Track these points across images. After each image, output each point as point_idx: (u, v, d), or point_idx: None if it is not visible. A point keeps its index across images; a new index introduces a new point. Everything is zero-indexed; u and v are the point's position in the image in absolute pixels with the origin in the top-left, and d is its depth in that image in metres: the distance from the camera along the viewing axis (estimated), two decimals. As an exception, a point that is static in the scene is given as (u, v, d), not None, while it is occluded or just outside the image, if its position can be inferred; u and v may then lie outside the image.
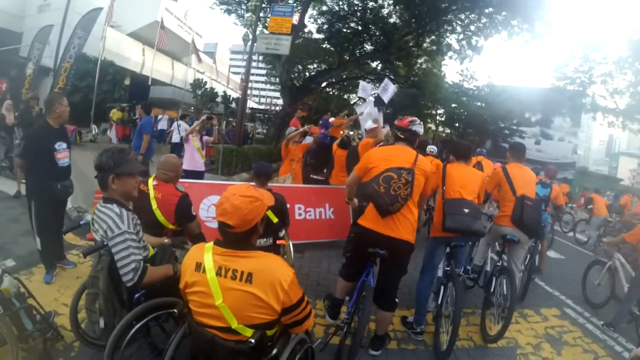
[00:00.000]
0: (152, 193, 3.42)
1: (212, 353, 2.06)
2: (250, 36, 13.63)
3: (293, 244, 4.85)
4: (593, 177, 32.64)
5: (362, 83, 10.66)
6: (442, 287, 4.13)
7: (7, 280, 2.93)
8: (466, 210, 3.99)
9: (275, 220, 3.99)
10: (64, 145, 4.41)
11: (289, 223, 4.33)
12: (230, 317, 1.95)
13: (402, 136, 3.68)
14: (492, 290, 4.60)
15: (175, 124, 13.90)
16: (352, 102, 10.53)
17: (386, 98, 9.61)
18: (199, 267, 2.03)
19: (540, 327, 5.08)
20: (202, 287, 2.00)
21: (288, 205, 4.48)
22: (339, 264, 5.19)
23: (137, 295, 2.61)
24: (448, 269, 4.14)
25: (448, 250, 4.20)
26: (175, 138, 13.35)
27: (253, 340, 1.94)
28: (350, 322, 3.53)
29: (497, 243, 5.15)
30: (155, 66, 25.16)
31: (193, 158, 7.16)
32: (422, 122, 3.79)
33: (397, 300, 3.72)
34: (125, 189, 2.67)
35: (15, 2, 21.82)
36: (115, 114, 17.78)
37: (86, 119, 16.41)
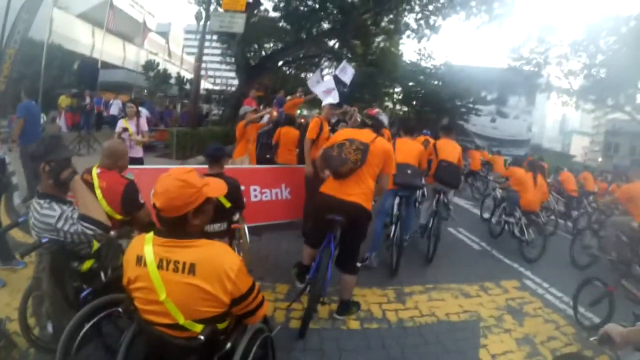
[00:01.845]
0: (96, 182, 3.19)
1: (164, 351, 1.96)
2: (204, 14, 13.21)
3: (250, 227, 4.77)
4: (546, 153, 33.79)
5: (344, 63, 10.35)
6: (393, 226, 5.54)
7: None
8: (409, 171, 5.63)
9: (227, 205, 3.88)
10: None
11: (243, 207, 4.22)
12: (176, 313, 1.82)
13: (370, 123, 4.40)
14: (430, 226, 6.30)
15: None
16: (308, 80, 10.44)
17: (347, 79, 9.54)
18: (139, 260, 1.87)
19: (501, 299, 5.22)
20: (145, 282, 1.85)
21: (243, 188, 4.42)
22: (298, 245, 5.31)
23: (83, 295, 2.48)
24: (397, 213, 5.61)
25: (398, 200, 5.72)
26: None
27: (202, 337, 1.83)
28: (314, 286, 3.74)
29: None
30: (106, 48, 24.07)
31: (128, 145, 6.86)
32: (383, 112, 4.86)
33: (358, 264, 4.12)
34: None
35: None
36: (64, 100, 16.76)
37: (34, 107, 15.59)
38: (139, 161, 6.99)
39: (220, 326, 1.96)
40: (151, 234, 1.92)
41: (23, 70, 15.04)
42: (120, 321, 2.64)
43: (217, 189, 2.04)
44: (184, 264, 1.80)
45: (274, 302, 4.25)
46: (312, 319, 3.80)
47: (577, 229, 8.51)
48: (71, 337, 2.24)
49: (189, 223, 1.88)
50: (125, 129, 6.90)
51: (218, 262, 1.83)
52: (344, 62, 10.13)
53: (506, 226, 7.84)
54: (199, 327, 1.85)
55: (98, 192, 3.13)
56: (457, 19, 18.41)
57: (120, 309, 2.15)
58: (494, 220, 8.54)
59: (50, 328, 2.46)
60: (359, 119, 7.13)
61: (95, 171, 3.27)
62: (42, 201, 2.46)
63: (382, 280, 5.22)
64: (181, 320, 1.83)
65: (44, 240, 2.39)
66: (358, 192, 3.87)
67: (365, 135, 4.06)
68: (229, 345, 2.01)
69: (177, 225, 1.86)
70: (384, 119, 4.64)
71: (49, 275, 2.37)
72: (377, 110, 4.65)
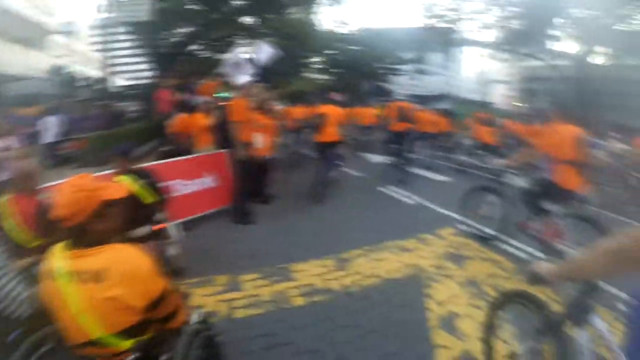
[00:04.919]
0: (5, 210, 2.88)
1: None
2: (106, 5, 12.41)
3: (180, 223, 4.56)
4: (469, 104, 35.31)
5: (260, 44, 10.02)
6: None
7: None
8: None
9: (150, 199, 3.68)
10: None
11: (166, 198, 4.02)
12: (92, 327, 1.68)
13: None
14: None
15: (42, 121, 12.19)
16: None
17: (263, 59, 9.30)
18: (51, 274, 1.72)
19: (439, 248, 5.33)
20: (59, 297, 1.70)
21: (164, 184, 4.18)
22: (232, 233, 5.86)
23: (10, 338, 2.24)
24: None
25: None
26: (49, 137, 11.91)
27: (136, 354, 1.74)
28: None
29: None
30: (5, 58, 22.22)
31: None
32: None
33: None
34: None
35: None
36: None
37: None
38: None
39: (144, 337, 1.82)
40: (60, 245, 1.78)
41: None
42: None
43: (114, 190, 1.88)
44: (92, 271, 1.68)
45: (215, 295, 4.05)
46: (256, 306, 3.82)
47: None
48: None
49: (91, 229, 1.75)
50: None
51: (126, 265, 1.72)
52: (260, 43, 9.88)
53: None
54: (125, 343, 1.74)
55: (10, 221, 2.82)
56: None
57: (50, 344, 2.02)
58: None
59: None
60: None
61: (3, 198, 2.91)
62: None
63: (319, 251, 5.11)
64: (99, 334, 1.69)
65: None
66: None
67: None
68: (164, 357, 1.91)
69: (81, 233, 1.74)
70: None
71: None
72: None
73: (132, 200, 2.29)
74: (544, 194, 4.87)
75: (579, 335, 1.90)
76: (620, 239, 1.29)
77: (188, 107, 8.46)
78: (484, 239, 5.56)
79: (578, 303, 1.91)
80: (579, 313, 1.92)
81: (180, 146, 7.53)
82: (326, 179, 7.81)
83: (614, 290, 3.59)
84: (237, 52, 10.07)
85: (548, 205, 4.83)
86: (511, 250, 5.23)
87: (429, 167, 11.06)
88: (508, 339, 3.02)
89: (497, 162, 5.74)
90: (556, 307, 2.18)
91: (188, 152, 7.09)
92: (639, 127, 8.65)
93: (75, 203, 1.70)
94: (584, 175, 4.70)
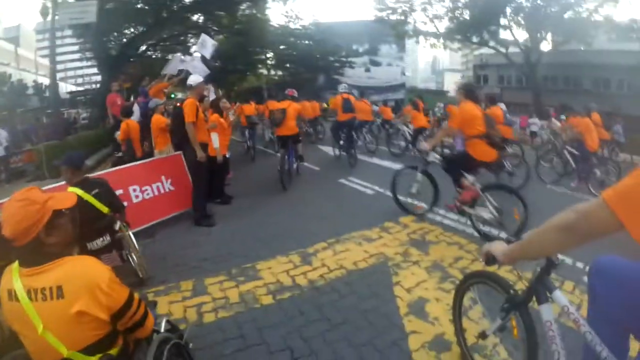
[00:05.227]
0: None
1: None
2: (51, 8, 11.88)
3: (141, 230, 4.46)
4: (423, 93, 36.13)
5: (202, 36, 9.94)
6: None
7: None
8: None
9: (105, 210, 3.58)
10: None
11: (121, 206, 3.91)
12: (58, 345, 1.61)
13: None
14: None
15: None
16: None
17: (208, 54, 9.19)
18: (11, 295, 1.64)
19: (403, 235, 5.38)
20: (23, 318, 1.63)
21: (121, 191, 4.04)
22: (194, 236, 5.67)
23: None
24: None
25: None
26: None
27: None
28: None
29: None
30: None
31: None
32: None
33: None
34: None
35: None
36: None
37: None
38: None
39: (113, 352, 1.77)
40: (16, 263, 1.70)
41: None
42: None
43: (63, 199, 1.79)
44: (50, 289, 1.62)
45: (182, 301, 3.91)
46: (225, 308, 3.71)
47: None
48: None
49: (44, 244, 1.66)
50: None
51: (84, 276, 1.66)
52: (202, 36, 9.77)
53: None
54: (93, 359, 1.68)
55: None
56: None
57: None
58: None
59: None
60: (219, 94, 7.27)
61: None
62: None
63: (283, 247, 5.07)
64: (65, 353, 1.63)
65: None
66: None
67: None
68: None
69: (34, 250, 1.65)
70: None
71: None
72: None
73: (84, 208, 2.18)
74: (461, 164, 5.36)
75: (544, 310, 1.92)
76: (569, 215, 1.30)
77: (142, 110, 8.24)
78: (420, 215, 6.07)
79: (540, 279, 1.95)
80: (541, 289, 1.95)
81: (134, 151, 7.34)
82: (290, 171, 8.15)
83: (580, 265, 3.73)
84: (188, 52, 9.92)
85: (466, 175, 5.27)
86: (475, 233, 5.32)
87: (372, 153, 12.00)
88: (478, 319, 3.09)
89: (423, 143, 5.96)
90: (521, 285, 2.20)
91: (145, 157, 6.90)
92: (579, 107, 9.25)
93: (27, 217, 1.61)
94: (496, 147, 5.24)
